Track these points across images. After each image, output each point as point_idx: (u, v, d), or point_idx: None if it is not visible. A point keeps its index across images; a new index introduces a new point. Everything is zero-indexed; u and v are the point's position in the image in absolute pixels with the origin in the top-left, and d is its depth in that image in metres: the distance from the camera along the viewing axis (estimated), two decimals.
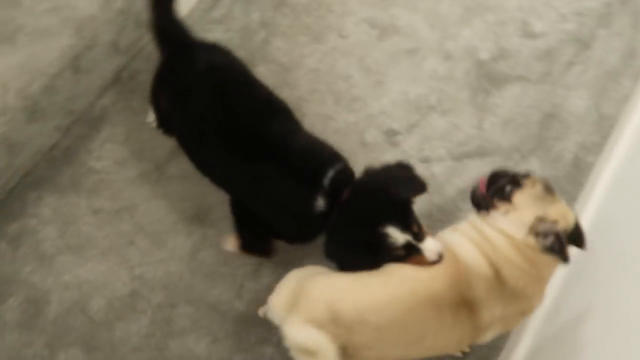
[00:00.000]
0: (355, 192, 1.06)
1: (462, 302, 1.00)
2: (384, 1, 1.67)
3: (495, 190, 1.09)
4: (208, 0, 1.66)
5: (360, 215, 1.04)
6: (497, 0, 1.68)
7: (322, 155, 1.13)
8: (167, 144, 1.45)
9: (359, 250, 1.05)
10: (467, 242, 1.07)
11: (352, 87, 1.57)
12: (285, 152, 1.10)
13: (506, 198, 1.07)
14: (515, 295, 1.02)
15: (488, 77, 1.60)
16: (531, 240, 1.02)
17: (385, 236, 1.00)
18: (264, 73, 1.54)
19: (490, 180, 1.12)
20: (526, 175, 1.10)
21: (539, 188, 1.07)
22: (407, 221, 1.02)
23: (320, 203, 1.06)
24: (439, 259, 1.02)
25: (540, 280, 1.06)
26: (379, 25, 1.64)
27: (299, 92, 1.56)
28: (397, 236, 1.00)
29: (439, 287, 1.00)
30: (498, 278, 1.02)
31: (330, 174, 1.07)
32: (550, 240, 1.01)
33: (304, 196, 1.07)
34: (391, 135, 1.52)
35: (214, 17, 1.64)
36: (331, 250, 1.08)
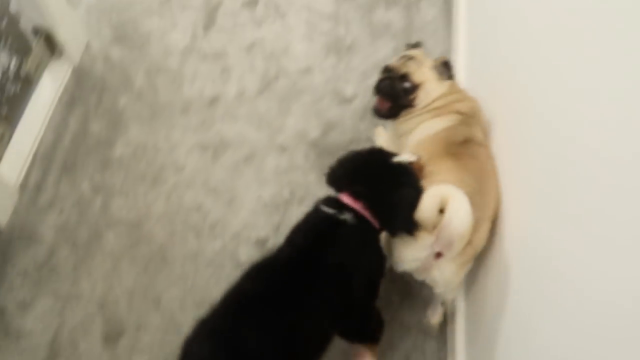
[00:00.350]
0: None
1: None
2: (205, 122, 1.71)
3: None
4: (31, 188, 1.59)
5: None
6: (305, 82, 1.79)
7: None
8: None
9: None
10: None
11: (207, 215, 1.57)
12: None
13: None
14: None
15: (326, 152, 1.68)
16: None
17: None
18: (113, 239, 1.49)
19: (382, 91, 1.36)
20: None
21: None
22: None
23: None
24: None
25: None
26: (209, 146, 1.67)
27: (157, 243, 1.51)
28: None
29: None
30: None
31: None
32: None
33: None
34: (262, 243, 1.53)
35: (42, 204, 1.57)
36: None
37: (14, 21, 1.55)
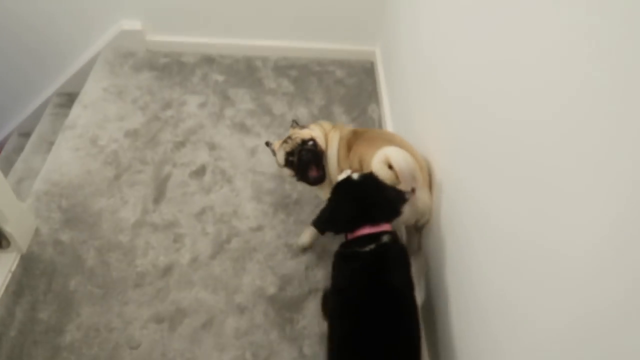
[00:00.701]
0: None
1: None
2: (159, 293, 1.68)
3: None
4: None
5: None
6: (257, 240, 1.84)
7: None
8: None
9: None
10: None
11: None
12: None
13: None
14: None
15: (285, 307, 1.67)
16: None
17: None
18: None
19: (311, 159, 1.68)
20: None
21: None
22: None
23: None
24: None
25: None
26: (165, 317, 1.63)
27: None
28: None
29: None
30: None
31: None
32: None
33: None
34: None
35: None
36: None
37: None
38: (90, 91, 2.39)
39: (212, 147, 2.16)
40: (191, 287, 1.70)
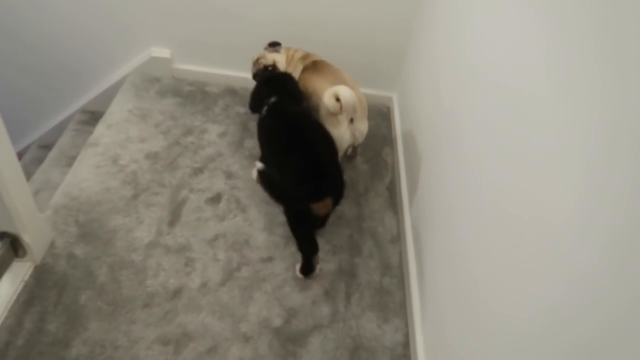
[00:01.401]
0: None
1: None
2: (167, 315, 1.71)
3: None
4: None
5: None
6: (266, 271, 1.87)
7: None
8: None
9: None
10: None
11: None
12: None
13: None
14: None
15: (290, 340, 1.69)
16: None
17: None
18: None
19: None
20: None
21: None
22: None
23: None
24: None
25: None
26: (171, 340, 1.64)
27: None
28: None
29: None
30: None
31: None
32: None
33: None
34: None
35: None
36: None
37: None
38: (116, 112, 2.47)
39: (229, 175, 2.22)
40: (199, 311, 1.72)
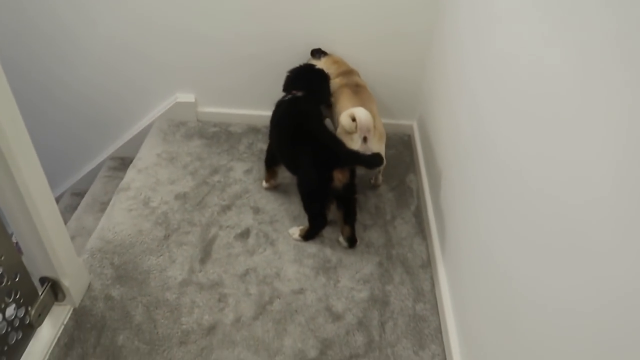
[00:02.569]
0: None
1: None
2: (203, 351, 1.71)
3: None
4: None
5: None
6: (298, 303, 1.88)
7: None
8: None
9: None
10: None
11: None
12: None
13: None
14: None
15: None
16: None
17: None
18: None
19: None
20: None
21: None
22: None
23: None
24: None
25: None
26: None
27: None
28: None
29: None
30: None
31: None
32: None
33: None
34: None
35: None
36: None
37: (25, 276, 1.66)
38: (145, 157, 2.56)
39: (256, 211, 2.26)
40: (234, 347, 1.73)
